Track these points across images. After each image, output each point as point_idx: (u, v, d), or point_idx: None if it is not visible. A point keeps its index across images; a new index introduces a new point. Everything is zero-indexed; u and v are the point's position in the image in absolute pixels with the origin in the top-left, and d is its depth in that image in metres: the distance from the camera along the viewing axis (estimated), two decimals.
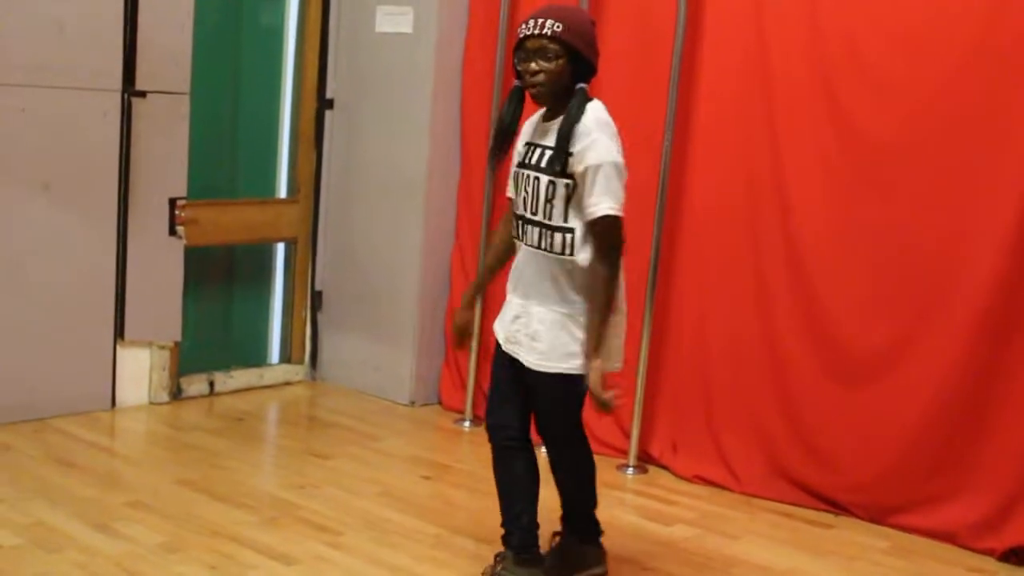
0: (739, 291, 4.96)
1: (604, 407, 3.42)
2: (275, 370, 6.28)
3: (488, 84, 5.70)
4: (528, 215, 3.54)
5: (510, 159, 3.71)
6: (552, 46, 3.41)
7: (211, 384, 5.95)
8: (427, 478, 5.00)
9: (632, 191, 5.23)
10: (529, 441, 3.78)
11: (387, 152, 6.00)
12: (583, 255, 3.46)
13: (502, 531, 3.82)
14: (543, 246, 3.51)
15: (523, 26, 3.45)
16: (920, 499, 4.59)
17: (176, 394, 5.77)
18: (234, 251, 6.19)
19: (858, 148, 4.64)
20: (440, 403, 6.04)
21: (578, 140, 3.39)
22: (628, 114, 5.17)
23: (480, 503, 4.67)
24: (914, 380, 4.56)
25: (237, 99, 6.07)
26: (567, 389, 3.57)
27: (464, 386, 5.83)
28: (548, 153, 3.46)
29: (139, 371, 5.61)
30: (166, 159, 5.46)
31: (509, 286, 3.69)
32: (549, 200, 3.46)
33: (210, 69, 5.78)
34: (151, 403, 5.67)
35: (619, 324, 3.59)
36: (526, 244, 3.57)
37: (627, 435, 5.24)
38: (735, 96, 4.95)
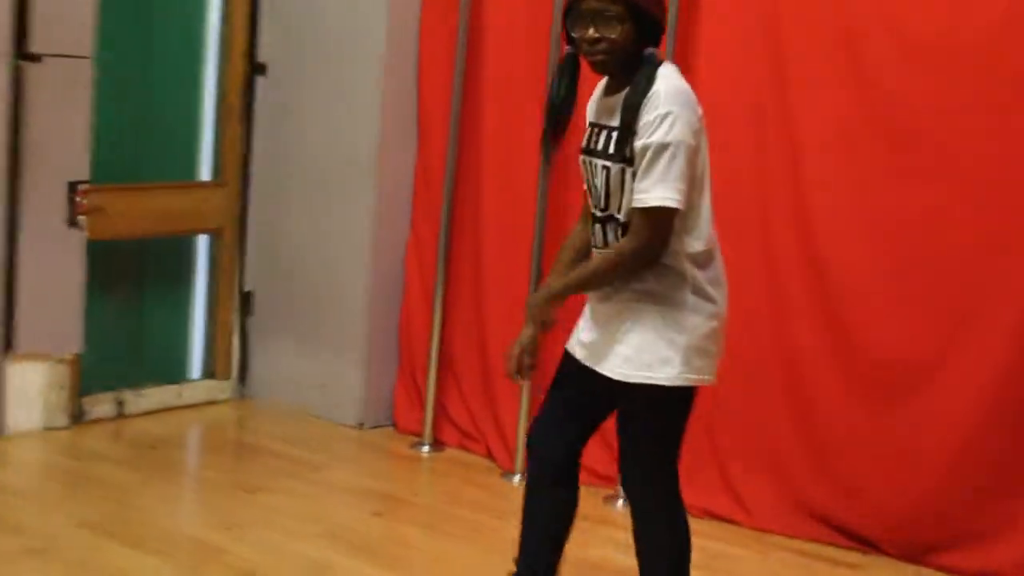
0: (748, 296, 4.92)
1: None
2: (196, 387, 6.26)
3: (450, 47, 5.69)
4: (598, 212, 3.48)
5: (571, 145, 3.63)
6: (615, 7, 3.34)
7: (119, 405, 5.91)
8: (378, 515, 4.99)
9: None
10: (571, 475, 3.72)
11: (330, 127, 5.98)
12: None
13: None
14: None
15: None
16: (962, 535, 4.59)
17: (77, 417, 5.74)
18: (147, 245, 6.15)
19: (887, 122, 4.62)
20: (394, 425, 6.02)
21: (645, 114, 3.32)
22: None
23: (441, 544, 4.65)
24: (954, 397, 4.56)
25: (150, 64, 6.03)
26: (662, 405, 3.49)
27: (422, 405, 5.82)
28: (615, 135, 3.40)
29: (32, 390, 5.58)
30: (65, 135, 5.41)
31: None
32: (621, 191, 3.40)
33: (118, 28, 5.72)
34: (46, 428, 5.63)
35: (712, 329, 3.47)
36: (598, 248, 3.51)
37: (615, 460, 5.19)
38: (739, 62, 4.95)
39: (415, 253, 5.95)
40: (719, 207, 4.60)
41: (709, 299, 3.43)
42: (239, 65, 6.16)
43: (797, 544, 4.84)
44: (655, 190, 3.29)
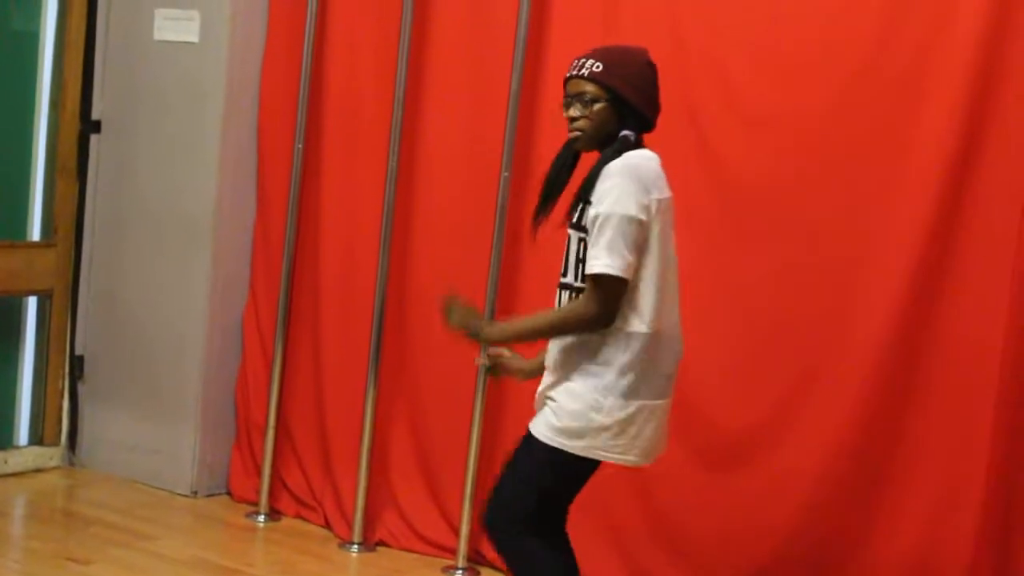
0: None
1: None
2: (23, 453, 6.15)
3: (291, 105, 5.69)
4: (561, 279, 3.71)
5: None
6: (590, 88, 3.66)
7: None
8: None
9: (466, 225, 5.23)
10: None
11: (166, 185, 5.94)
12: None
13: None
14: None
15: (570, 66, 3.72)
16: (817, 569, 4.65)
17: None
18: None
19: (726, 187, 4.72)
20: (229, 493, 5.97)
21: (599, 184, 3.56)
22: (465, 140, 5.27)
23: None
24: (794, 462, 4.62)
25: None
26: (543, 463, 3.70)
27: (259, 472, 5.77)
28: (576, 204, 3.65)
29: None
30: None
31: None
32: (579, 259, 3.62)
33: None
34: None
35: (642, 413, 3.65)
36: None
37: (455, 531, 5.22)
38: None
39: (253, 317, 5.91)
40: (559, 258, 4.69)
41: (630, 384, 3.61)
42: (72, 122, 6.09)
43: None
44: (601, 257, 3.50)
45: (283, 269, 5.69)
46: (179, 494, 5.91)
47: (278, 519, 5.70)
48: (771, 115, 4.65)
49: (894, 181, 4.46)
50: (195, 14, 5.80)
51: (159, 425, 5.98)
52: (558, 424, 3.64)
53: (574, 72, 3.69)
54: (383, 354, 5.40)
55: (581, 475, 3.81)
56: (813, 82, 4.58)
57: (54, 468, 6.19)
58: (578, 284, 3.63)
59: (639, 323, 3.60)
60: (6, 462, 6.03)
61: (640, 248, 3.55)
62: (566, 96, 3.73)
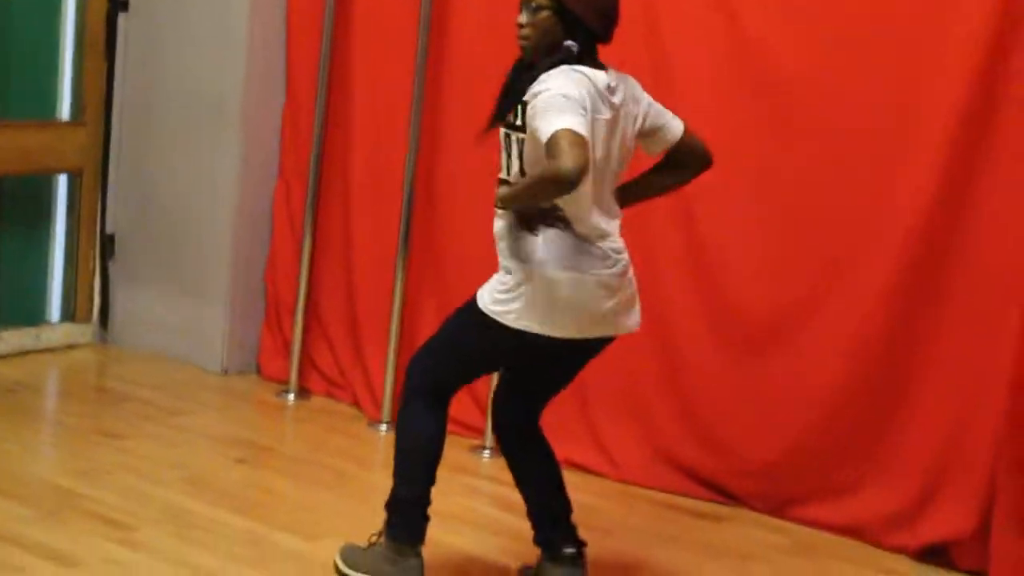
0: None
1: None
2: (55, 330, 6.22)
3: None
4: (499, 177, 3.76)
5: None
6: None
7: None
8: (242, 462, 5.01)
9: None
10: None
11: (194, 66, 5.95)
12: None
13: None
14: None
15: None
16: (826, 488, 4.72)
17: None
18: (3, 184, 6.07)
19: (757, 74, 4.73)
20: (259, 372, 6.04)
21: (533, 87, 3.56)
22: (498, 18, 5.26)
23: (305, 493, 4.69)
24: (819, 348, 4.69)
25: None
26: (461, 322, 3.84)
27: (288, 352, 5.84)
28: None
29: None
30: None
31: None
32: (520, 157, 3.66)
33: None
34: None
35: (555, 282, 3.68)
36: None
37: (483, 410, 5.29)
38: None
39: (283, 199, 5.95)
40: None
41: (570, 262, 3.66)
42: (100, 1, 6.08)
43: (663, 497, 4.94)
44: (553, 122, 3.41)
45: (312, 150, 5.71)
46: (209, 371, 5.98)
47: (307, 398, 5.78)
48: (809, 5, 4.65)
49: (930, 74, 4.46)
50: None
51: (189, 303, 6.04)
52: None
53: None
54: (412, 235, 5.45)
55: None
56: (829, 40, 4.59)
57: (86, 345, 6.26)
58: (506, 177, 3.71)
59: (579, 226, 3.67)
60: (39, 338, 6.11)
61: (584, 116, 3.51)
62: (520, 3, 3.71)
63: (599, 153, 3.63)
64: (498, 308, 3.70)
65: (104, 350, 6.25)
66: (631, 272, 3.80)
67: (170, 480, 4.69)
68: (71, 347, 6.21)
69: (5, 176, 5.99)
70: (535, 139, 3.50)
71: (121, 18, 6.13)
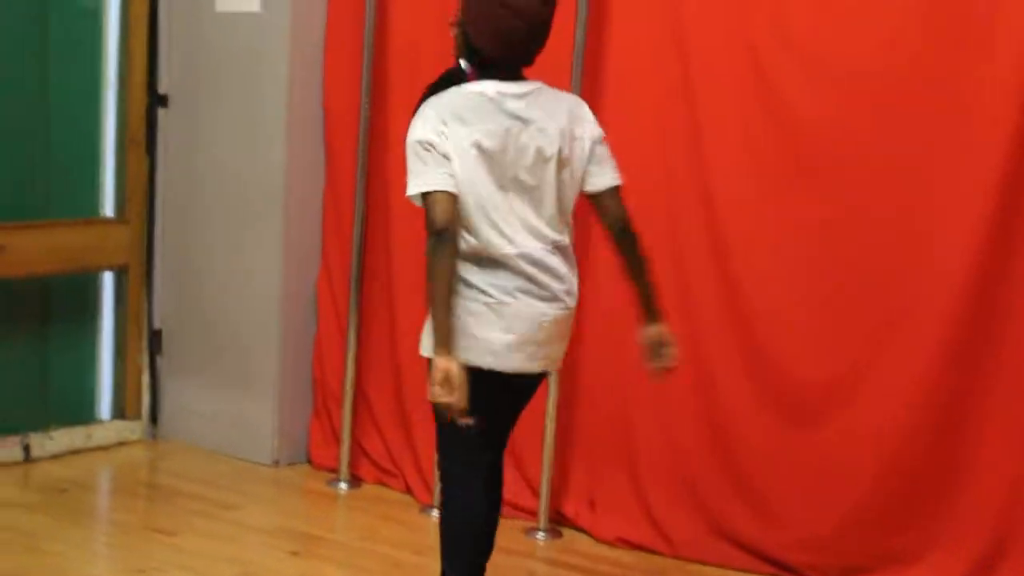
0: None
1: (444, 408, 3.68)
2: (106, 428, 6.24)
3: (355, 69, 5.72)
4: None
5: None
6: (456, 13, 3.83)
7: (26, 449, 5.89)
8: (295, 554, 5.00)
9: None
10: None
11: (235, 157, 6.00)
12: None
13: None
14: None
15: None
16: (884, 557, 4.68)
17: None
18: (50, 284, 6.13)
19: (792, 135, 4.73)
20: (310, 462, 6.05)
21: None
22: None
23: None
24: (871, 415, 4.65)
25: (47, 98, 6.00)
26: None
27: (338, 440, 5.84)
28: None
29: None
30: None
31: None
32: None
33: (12, 62, 5.74)
34: None
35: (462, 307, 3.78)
36: None
37: (536, 492, 5.29)
38: (647, 71, 5.04)
39: (326, 284, 5.98)
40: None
41: (478, 290, 3.75)
42: (140, 97, 6.16)
43: (721, 573, 4.91)
44: (408, 186, 3.75)
45: (354, 234, 5.74)
46: (260, 464, 5.99)
47: (359, 486, 5.78)
48: (835, 62, 4.65)
49: (963, 122, 4.44)
50: None
51: (238, 396, 6.07)
52: None
53: None
54: None
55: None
56: (877, 27, 4.56)
57: (136, 441, 6.28)
58: None
59: (471, 240, 3.75)
60: (90, 437, 6.13)
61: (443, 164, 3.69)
62: None
63: (487, 168, 3.72)
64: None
65: (155, 446, 6.28)
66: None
67: (225, 575, 4.70)
68: (122, 444, 6.24)
69: (51, 276, 6.04)
70: None
71: (161, 113, 6.20)
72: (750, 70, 4.80)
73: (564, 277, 3.82)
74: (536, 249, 3.77)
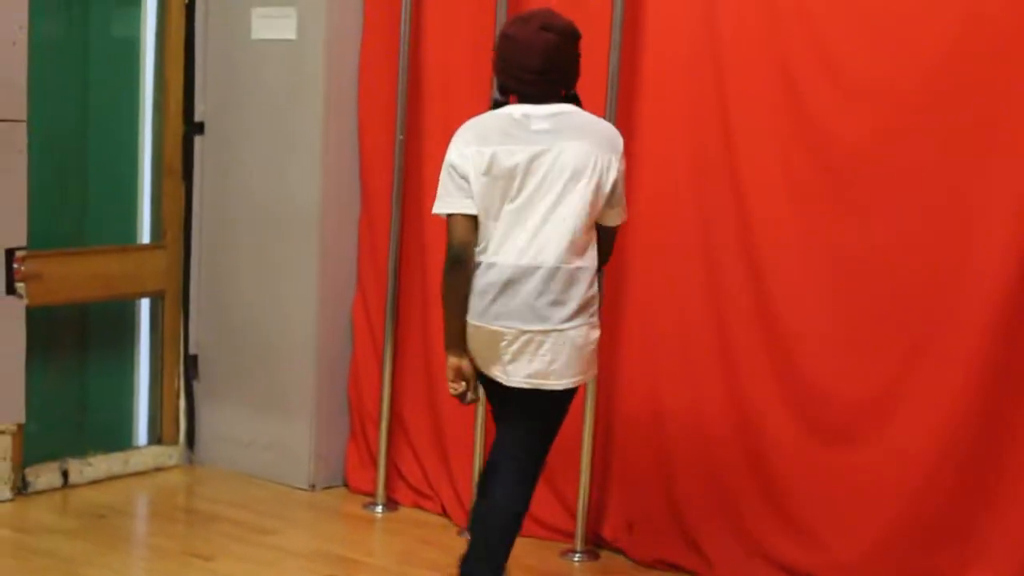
0: (696, 336, 5.03)
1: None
2: (143, 454, 6.27)
3: (390, 97, 5.76)
4: None
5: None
6: None
7: (65, 474, 5.91)
8: None
9: None
10: None
11: (271, 184, 6.04)
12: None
13: None
14: None
15: None
16: (925, 575, 4.64)
17: (21, 488, 5.74)
18: (88, 311, 6.18)
19: (826, 156, 4.73)
20: (346, 485, 6.06)
21: None
22: None
23: None
24: (908, 434, 4.64)
25: (86, 126, 6.08)
26: None
27: (375, 464, 5.85)
28: None
29: None
30: (0, 202, 5.44)
31: None
32: None
33: (52, 91, 5.78)
34: None
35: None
36: None
37: (572, 514, 5.28)
38: (682, 91, 5.06)
39: (362, 309, 6.00)
40: (666, 240, 4.74)
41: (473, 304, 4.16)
42: (176, 125, 6.21)
43: None
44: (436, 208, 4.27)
45: (390, 261, 5.76)
46: (297, 488, 6.00)
47: (395, 509, 5.78)
48: (871, 83, 4.65)
49: (999, 150, 4.44)
50: (291, 11, 5.89)
51: (275, 421, 6.08)
52: None
53: None
54: None
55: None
56: (913, 48, 4.57)
57: (173, 467, 6.31)
58: None
59: (482, 256, 4.15)
60: (127, 462, 6.16)
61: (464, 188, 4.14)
62: None
63: (504, 186, 4.11)
64: None
65: (191, 471, 6.30)
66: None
67: None
68: (159, 469, 6.26)
69: (89, 302, 6.08)
70: None
71: (197, 140, 6.24)
72: (785, 90, 4.81)
73: (556, 299, 4.11)
74: (518, 267, 4.08)
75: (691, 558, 5.05)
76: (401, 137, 5.71)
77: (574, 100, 4.20)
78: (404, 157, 5.73)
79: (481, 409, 5.42)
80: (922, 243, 4.59)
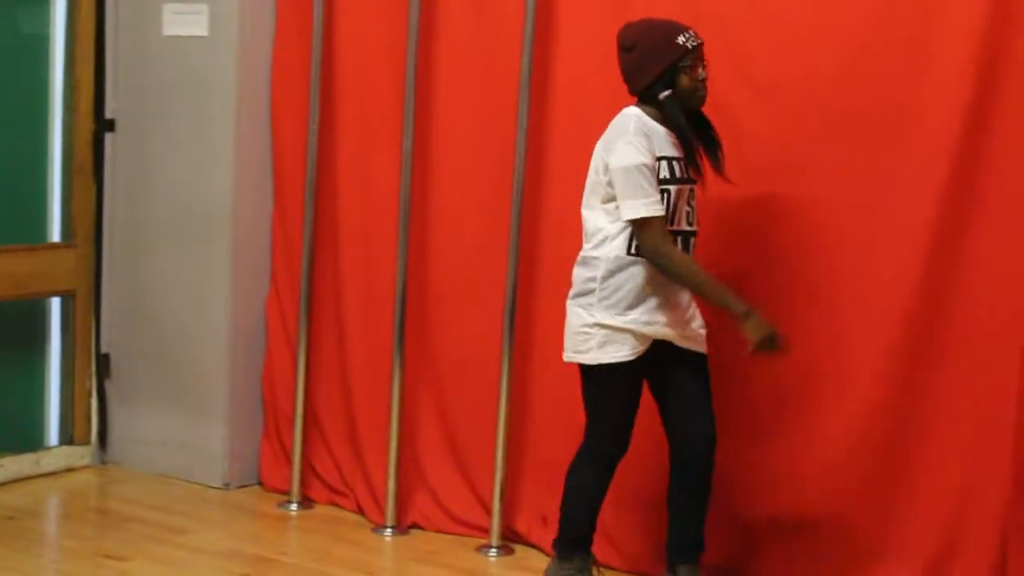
0: None
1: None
2: (54, 454, 6.20)
3: (303, 94, 5.73)
4: (689, 227, 4.42)
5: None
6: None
7: None
8: None
9: (482, 209, 5.27)
10: None
11: (183, 181, 5.99)
12: None
13: None
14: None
15: (687, 34, 4.30)
16: (839, 562, 4.68)
17: None
18: None
19: (739, 152, 4.74)
20: (261, 484, 6.02)
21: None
22: (478, 122, 5.29)
23: None
24: (824, 423, 4.67)
25: None
26: None
27: (289, 461, 5.82)
28: (679, 164, 4.35)
29: None
30: None
31: (673, 296, 4.36)
32: (690, 206, 4.44)
33: None
34: None
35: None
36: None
37: (487, 509, 5.28)
38: (596, 91, 5.02)
39: (276, 306, 5.96)
40: (580, 244, 4.72)
41: None
42: (87, 122, 6.14)
43: None
44: None
45: (303, 258, 5.74)
46: (211, 487, 5.96)
47: (310, 507, 5.75)
48: (781, 82, 4.69)
49: (905, 147, 4.49)
50: (203, 8, 5.84)
51: (188, 419, 6.03)
52: None
53: (700, 40, 4.31)
54: (407, 336, 5.45)
55: None
56: (822, 47, 4.61)
57: (85, 467, 6.24)
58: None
59: None
60: (38, 463, 6.09)
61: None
62: (700, 59, 4.32)
63: None
64: None
65: (104, 471, 6.23)
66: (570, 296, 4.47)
67: None
68: (71, 470, 6.19)
69: None
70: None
71: (108, 138, 6.18)
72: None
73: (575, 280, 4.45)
74: None
75: (605, 550, 5.03)
76: (314, 134, 5.68)
77: (651, 102, 4.35)
78: (317, 153, 5.70)
79: (396, 406, 5.41)
80: (834, 236, 4.63)
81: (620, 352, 4.32)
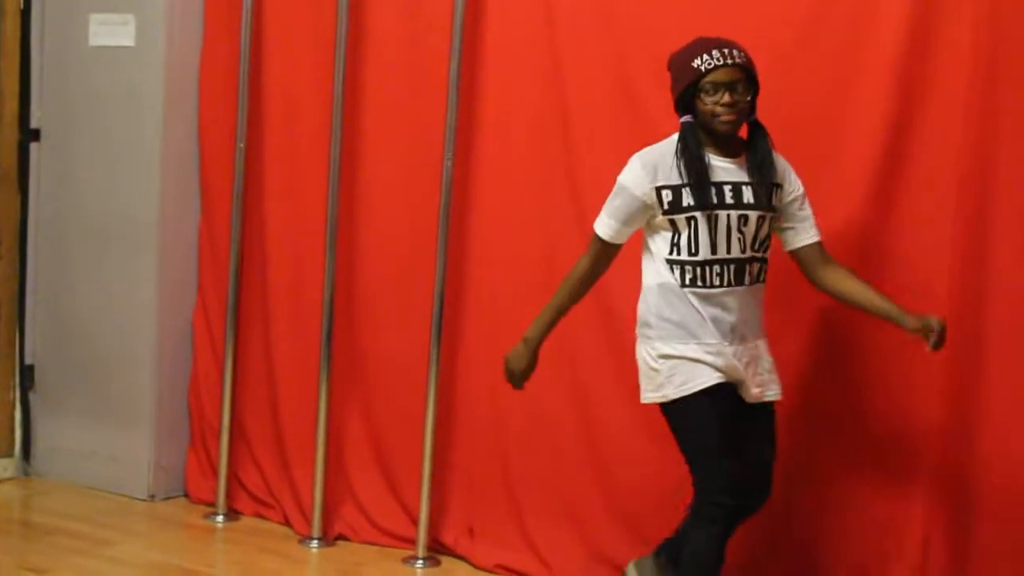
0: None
1: None
2: None
3: (230, 105, 5.71)
4: (740, 255, 4.06)
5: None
6: (744, 77, 4.02)
7: None
8: None
9: (411, 223, 5.28)
10: None
11: (109, 191, 5.95)
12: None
13: None
14: (760, 279, 4.14)
15: (708, 56, 3.98)
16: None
17: None
18: None
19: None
20: (187, 496, 5.98)
21: (780, 171, 4.12)
22: (406, 133, 5.29)
23: None
24: None
25: None
26: None
27: (215, 473, 5.79)
28: (748, 189, 4.05)
29: None
30: None
31: (714, 335, 4.06)
32: (764, 234, 4.09)
33: None
34: None
35: None
36: (741, 284, 4.08)
37: (414, 521, 5.27)
38: (523, 94, 5.08)
39: (203, 318, 5.93)
40: (511, 248, 4.69)
41: None
42: (11, 132, 6.09)
43: None
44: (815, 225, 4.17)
45: (230, 269, 5.71)
46: (136, 499, 5.91)
47: (236, 519, 5.72)
48: None
49: (831, 156, 4.52)
50: (130, 18, 5.82)
51: (113, 431, 5.99)
52: None
53: (728, 61, 3.97)
54: (334, 348, 5.44)
55: None
56: (756, 39, 4.59)
57: (9, 479, 6.18)
58: (763, 255, 4.11)
59: None
60: None
61: None
62: (714, 83, 3.97)
63: None
64: None
65: (28, 483, 6.17)
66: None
67: None
68: None
69: None
70: (805, 212, 4.17)
71: (33, 148, 6.13)
72: (622, 91, 4.86)
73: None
74: None
75: (532, 562, 5.05)
76: (242, 145, 5.66)
77: (685, 125, 4.08)
78: (245, 165, 5.68)
79: (322, 417, 5.40)
80: None
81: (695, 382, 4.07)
